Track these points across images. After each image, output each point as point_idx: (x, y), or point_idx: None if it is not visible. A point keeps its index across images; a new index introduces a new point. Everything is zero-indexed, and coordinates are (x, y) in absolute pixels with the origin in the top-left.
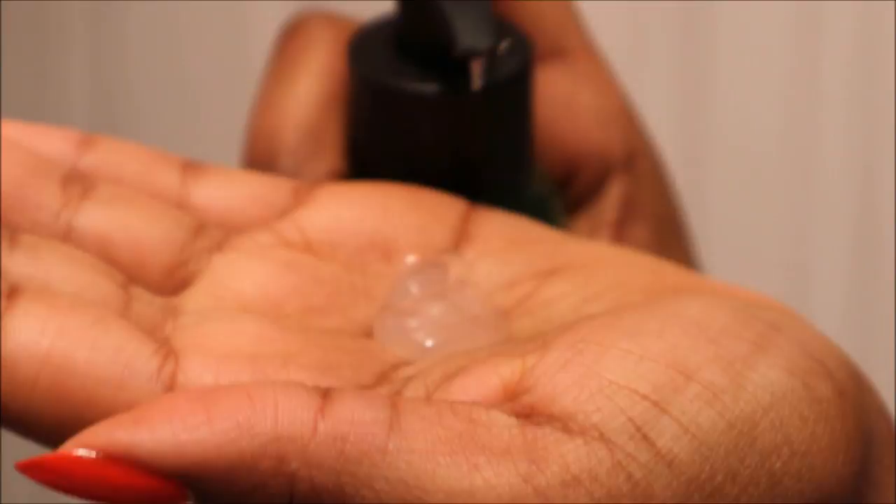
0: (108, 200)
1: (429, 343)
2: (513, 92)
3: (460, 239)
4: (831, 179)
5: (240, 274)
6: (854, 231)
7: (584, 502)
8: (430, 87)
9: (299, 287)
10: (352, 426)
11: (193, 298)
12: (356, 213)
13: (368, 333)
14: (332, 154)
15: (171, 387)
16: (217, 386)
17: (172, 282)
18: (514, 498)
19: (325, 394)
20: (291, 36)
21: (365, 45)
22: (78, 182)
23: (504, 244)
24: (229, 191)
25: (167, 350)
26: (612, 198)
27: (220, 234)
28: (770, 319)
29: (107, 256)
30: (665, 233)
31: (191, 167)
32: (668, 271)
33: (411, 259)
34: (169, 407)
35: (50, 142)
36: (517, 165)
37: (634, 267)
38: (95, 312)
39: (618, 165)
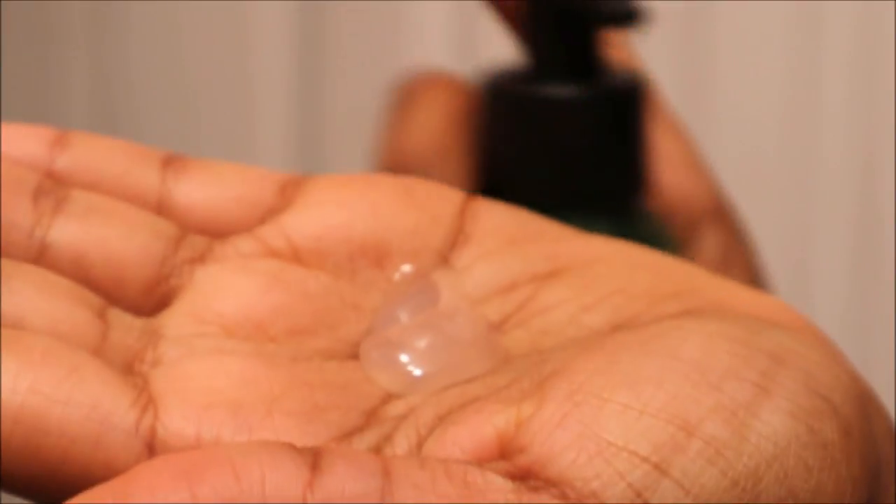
0: (83, 213)
1: (418, 373)
2: (638, 101)
3: (456, 239)
4: (831, 179)
5: (223, 292)
6: (854, 230)
7: None
8: (566, 91)
9: (285, 305)
10: (342, 501)
11: (175, 321)
12: (345, 216)
13: (357, 353)
14: (458, 171)
15: (150, 442)
16: (200, 451)
17: (153, 299)
18: None
19: (315, 463)
20: (409, 85)
21: (495, 74)
22: (50, 193)
23: (501, 243)
24: (212, 189)
25: (146, 400)
26: (709, 247)
27: (202, 242)
28: (773, 349)
29: (83, 275)
30: (758, 285)
31: (172, 163)
32: (671, 271)
33: (400, 275)
34: (150, 480)
35: (21, 144)
36: (640, 179)
37: (636, 268)
38: (70, 361)
39: (708, 214)
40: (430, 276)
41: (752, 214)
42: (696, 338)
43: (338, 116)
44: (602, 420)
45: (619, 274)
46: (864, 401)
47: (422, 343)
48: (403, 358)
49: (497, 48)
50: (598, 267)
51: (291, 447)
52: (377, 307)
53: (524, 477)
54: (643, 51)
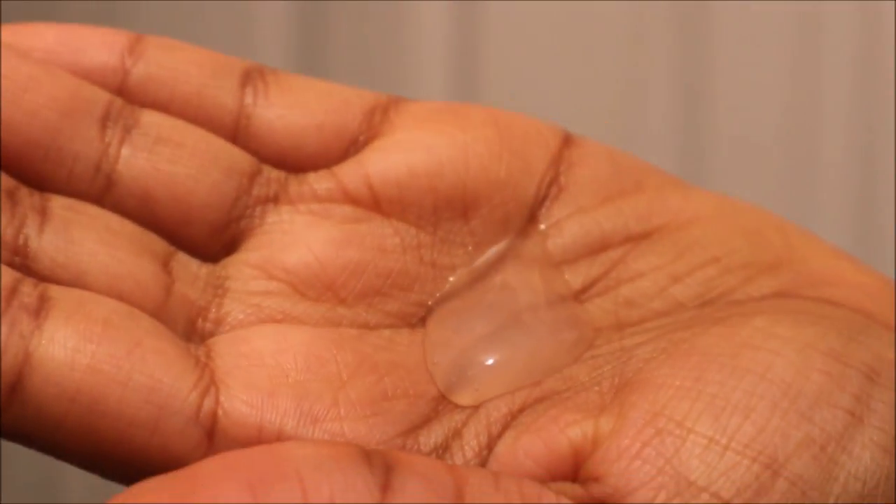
0: (152, 144)
1: (483, 388)
2: None
3: (548, 191)
4: (832, 178)
5: (293, 243)
6: (854, 230)
7: None
8: None
9: (358, 263)
10: None
11: (242, 273)
12: (433, 162)
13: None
14: None
15: (209, 429)
16: (268, 457)
17: (221, 241)
18: None
19: (386, 482)
20: None
21: None
22: (119, 118)
23: (595, 197)
24: (292, 115)
25: (207, 380)
26: None
27: (277, 178)
28: (868, 362)
29: (148, 214)
30: None
31: (252, 79)
32: (772, 237)
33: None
34: (215, 486)
35: (95, 52)
36: None
37: (735, 232)
38: (132, 335)
39: None
40: (509, 272)
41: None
42: (789, 353)
43: None
44: (684, 455)
45: (716, 239)
46: None
47: (490, 357)
48: (471, 373)
49: (497, 48)
50: (695, 229)
51: (363, 457)
52: (455, 266)
53: None
54: (643, 51)
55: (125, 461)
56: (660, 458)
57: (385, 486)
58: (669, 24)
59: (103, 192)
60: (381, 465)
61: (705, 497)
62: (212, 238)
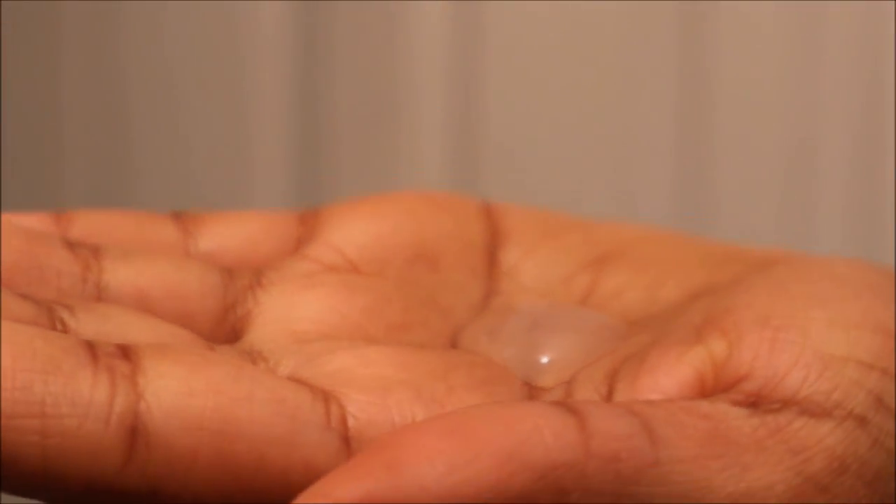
0: (126, 257)
1: (546, 360)
2: None
3: (495, 238)
4: (832, 179)
5: (303, 305)
6: (855, 229)
7: (859, 487)
8: None
9: (371, 307)
10: (619, 442)
11: (265, 339)
12: (387, 225)
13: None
14: None
15: (344, 434)
16: (456, 413)
17: (224, 330)
18: (796, 496)
19: (573, 409)
20: None
21: None
22: (81, 246)
23: (538, 237)
24: (235, 231)
25: (323, 392)
26: None
27: (252, 272)
28: (883, 270)
29: (152, 313)
30: None
31: (183, 217)
32: (706, 243)
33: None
34: (422, 445)
35: (26, 222)
36: None
37: (675, 244)
38: (231, 361)
39: None
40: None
41: (752, 216)
42: (835, 264)
43: (337, 117)
44: (815, 337)
45: (663, 252)
46: None
47: (549, 339)
48: (538, 357)
49: (497, 48)
50: (639, 249)
51: (549, 402)
52: (457, 305)
53: (755, 403)
54: (644, 51)
55: (267, 489)
56: (794, 344)
57: (573, 412)
58: (670, 25)
59: (99, 300)
60: (560, 403)
61: (852, 365)
62: (216, 328)
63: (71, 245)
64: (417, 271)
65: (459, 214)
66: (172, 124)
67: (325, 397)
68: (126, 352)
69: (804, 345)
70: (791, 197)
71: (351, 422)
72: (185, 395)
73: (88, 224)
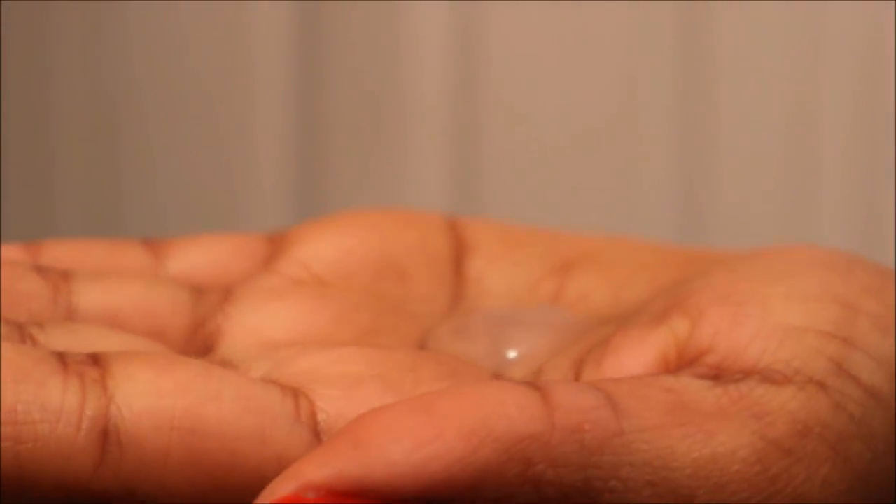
0: (96, 279)
1: (513, 355)
2: None
3: (461, 249)
4: (832, 181)
5: (273, 316)
6: (855, 233)
7: (823, 450)
8: None
9: (340, 315)
10: (582, 414)
11: (237, 350)
12: (353, 240)
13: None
14: None
15: (314, 428)
16: (424, 395)
17: (196, 345)
18: (760, 459)
19: (537, 386)
20: None
21: None
22: (50, 271)
23: (503, 247)
24: (204, 254)
25: (291, 389)
26: None
27: (221, 289)
28: (842, 252)
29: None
30: None
31: (155, 244)
32: (670, 249)
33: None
34: (388, 424)
35: None
36: None
37: (636, 251)
38: (199, 362)
39: None
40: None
41: (753, 217)
42: (805, 245)
43: (337, 117)
44: (773, 310)
45: (627, 255)
46: None
47: (517, 333)
48: (507, 350)
49: (497, 49)
50: (605, 254)
51: (513, 379)
52: (425, 312)
53: (717, 376)
54: (644, 52)
55: (242, 485)
56: (753, 317)
57: (538, 388)
58: (670, 26)
59: (68, 320)
60: (522, 381)
61: (811, 334)
62: (188, 343)
63: (41, 270)
64: (384, 283)
65: (424, 228)
66: (171, 124)
67: (295, 393)
68: (96, 359)
69: (764, 318)
70: (791, 197)
71: (321, 416)
72: (154, 395)
73: (58, 252)
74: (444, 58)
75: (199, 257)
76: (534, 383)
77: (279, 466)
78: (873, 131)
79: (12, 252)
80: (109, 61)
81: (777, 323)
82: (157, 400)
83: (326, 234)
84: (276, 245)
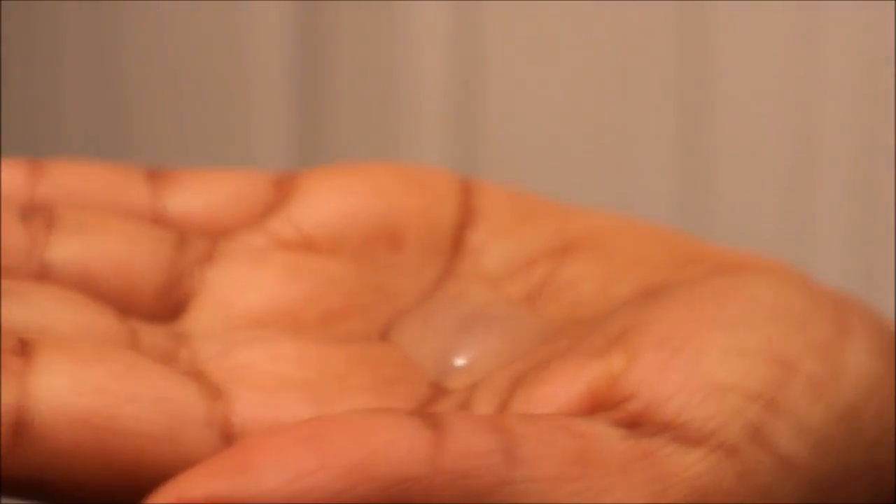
0: (77, 228)
1: (461, 363)
2: None
3: (466, 217)
4: (832, 183)
5: (243, 286)
6: (854, 228)
7: None
8: None
9: (312, 292)
10: (471, 459)
11: (201, 321)
12: (353, 201)
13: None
14: None
15: (226, 432)
16: (319, 419)
17: (168, 305)
18: None
19: (435, 423)
20: None
21: None
22: (38, 214)
23: (511, 220)
24: (205, 194)
25: (210, 389)
26: None
27: (207, 243)
28: (831, 293)
29: (92, 290)
30: None
31: (158, 176)
32: (679, 241)
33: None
34: (275, 450)
35: None
36: None
37: (646, 239)
38: (124, 358)
39: None
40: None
41: (753, 218)
42: (766, 285)
43: (337, 117)
44: (705, 362)
45: (633, 245)
46: None
47: (469, 341)
48: (454, 358)
49: (497, 49)
50: (610, 240)
51: (405, 411)
52: (407, 289)
53: (634, 424)
54: (644, 52)
55: (146, 483)
56: (683, 368)
57: (434, 426)
58: (670, 25)
59: (40, 277)
60: (426, 414)
61: (736, 393)
62: (159, 304)
63: (26, 214)
64: (375, 250)
65: (432, 191)
66: (172, 124)
67: (213, 394)
68: (25, 347)
69: (693, 370)
70: (791, 197)
71: (235, 419)
72: (72, 394)
73: (60, 177)
74: (444, 58)
75: (199, 197)
76: (434, 419)
77: (187, 468)
78: (873, 131)
79: (15, 173)
80: (110, 61)
81: (705, 377)
82: (74, 398)
83: (328, 190)
84: (279, 193)
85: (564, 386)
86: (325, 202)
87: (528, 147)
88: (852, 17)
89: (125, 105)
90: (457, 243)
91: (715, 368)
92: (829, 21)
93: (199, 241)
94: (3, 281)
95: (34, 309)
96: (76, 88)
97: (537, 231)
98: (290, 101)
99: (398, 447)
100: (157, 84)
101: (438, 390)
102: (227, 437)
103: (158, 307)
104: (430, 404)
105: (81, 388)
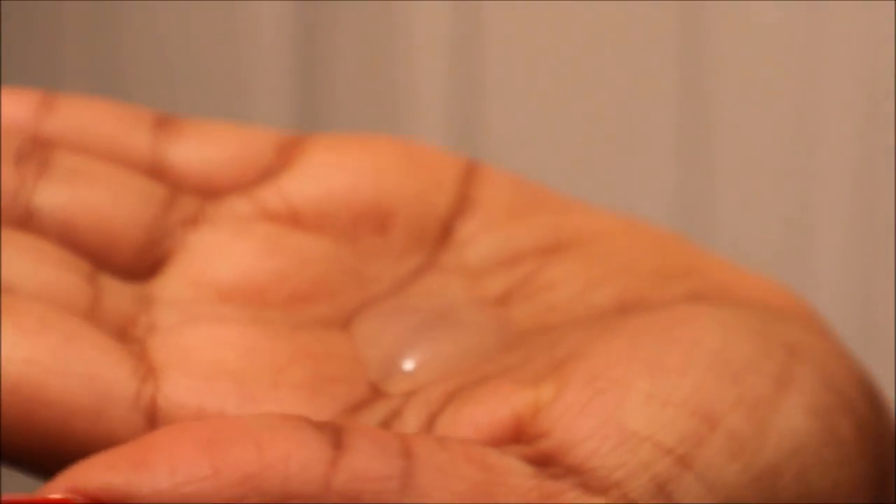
0: (68, 176)
1: (409, 367)
2: None
3: (461, 206)
4: (832, 184)
5: (218, 256)
6: (855, 228)
7: None
8: None
9: (284, 271)
10: (365, 483)
11: (169, 286)
12: (347, 180)
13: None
14: None
15: (151, 414)
16: (221, 422)
17: (144, 264)
18: None
19: (337, 440)
20: None
21: None
22: (32, 156)
23: (506, 213)
24: (206, 150)
25: (145, 369)
26: None
27: (195, 203)
28: (788, 340)
29: (71, 241)
30: None
31: (164, 124)
32: (676, 250)
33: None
34: (171, 451)
35: (6, 107)
36: None
37: (641, 245)
38: (66, 329)
39: None
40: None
41: (753, 218)
42: (717, 327)
43: (337, 117)
44: (626, 408)
45: (625, 250)
46: (874, 395)
47: (420, 348)
48: (402, 363)
49: (497, 49)
50: (604, 242)
51: (311, 423)
52: (384, 276)
53: (545, 463)
54: (644, 52)
55: (70, 454)
56: (602, 411)
57: (337, 444)
58: (671, 25)
59: (23, 224)
60: (330, 428)
61: (648, 446)
62: (136, 261)
63: (21, 156)
64: (361, 231)
65: (430, 175)
66: None
67: (146, 375)
68: None
69: (611, 415)
70: (792, 197)
71: (162, 402)
72: (6, 361)
73: (69, 114)
74: (444, 57)
75: (199, 153)
76: (339, 433)
77: (108, 443)
78: (874, 131)
79: (25, 105)
80: (110, 61)
81: (621, 424)
82: (7, 365)
83: (325, 165)
84: (279, 158)
85: (492, 410)
86: (319, 177)
87: (527, 147)
88: (853, 17)
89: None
90: (445, 232)
91: (634, 416)
92: (830, 21)
93: (188, 201)
94: None
95: (3, 261)
96: (75, 88)
97: (531, 227)
98: (290, 100)
99: (293, 463)
100: (156, 83)
101: (375, 394)
102: (152, 419)
103: (136, 263)
104: (361, 408)
105: (15, 356)
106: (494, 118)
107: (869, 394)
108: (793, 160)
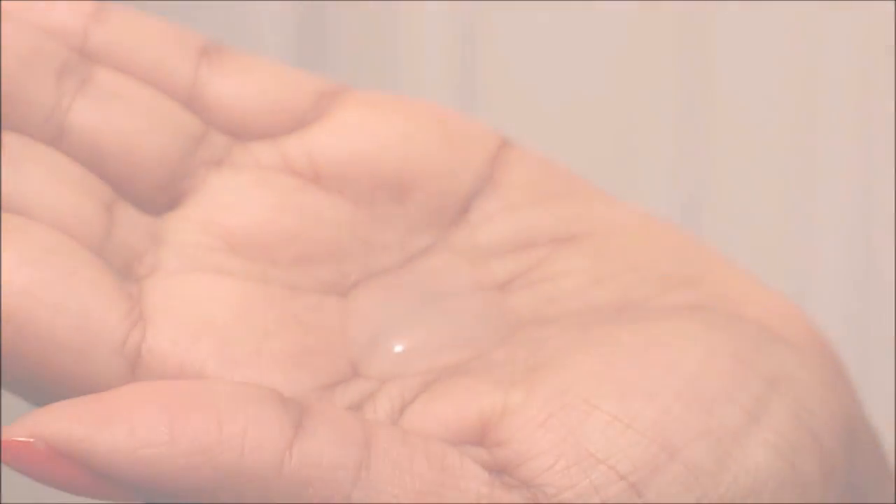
0: (106, 98)
1: (399, 349)
2: None
3: (484, 186)
4: (833, 184)
5: (234, 204)
6: (855, 234)
7: None
8: None
9: (295, 230)
10: (318, 470)
11: (181, 227)
12: (375, 146)
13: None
14: None
15: (133, 361)
16: (188, 387)
17: (163, 198)
18: None
19: (300, 419)
20: None
21: None
22: (75, 72)
23: (528, 197)
24: (245, 88)
25: (136, 315)
26: None
27: (223, 144)
28: (770, 371)
29: (97, 164)
30: None
31: (209, 53)
32: (689, 254)
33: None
34: (133, 410)
35: (58, 13)
36: None
37: (655, 244)
38: (69, 263)
39: None
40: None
41: (753, 218)
42: (697, 351)
43: None
44: (586, 428)
45: (637, 250)
46: (853, 433)
47: (406, 335)
48: (385, 348)
49: (497, 49)
50: (619, 238)
51: (279, 399)
52: (392, 247)
53: (500, 470)
54: (644, 52)
55: (51, 386)
56: (563, 428)
57: (297, 427)
58: (671, 26)
59: (54, 140)
60: (295, 408)
61: (602, 469)
62: (156, 193)
63: (64, 70)
64: (379, 198)
65: (459, 150)
66: None
67: (135, 323)
68: None
69: (570, 433)
70: (792, 197)
71: (145, 353)
72: (5, 289)
73: (119, 30)
74: (444, 58)
75: (238, 90)
76: (303, 412)
77: (88, 382)
78: (874, 131)
79: (78, 13)
80: None
81: (579, 445)
82: (7, 297)
83: (357, 126)
84: (316, 108)
85: (460, 408)
86: (348, 137)
87: (527, 147)
88: (853, 17)
89: None
90: (463, 210)
91: (593, 437)
92: (830, 21)
93: (217, 140)
94: (15, 139)
95: (23, 180)
96: None
97: (549, 214)
98: None
99: (249, 440)
100: None
101: (353, 373)
102: (133, 367)
103: (155, 196)
104: (338, 386)
105: (11, 287)
106: (495, 118)
107: (848, 433)
108: (793, 160)
